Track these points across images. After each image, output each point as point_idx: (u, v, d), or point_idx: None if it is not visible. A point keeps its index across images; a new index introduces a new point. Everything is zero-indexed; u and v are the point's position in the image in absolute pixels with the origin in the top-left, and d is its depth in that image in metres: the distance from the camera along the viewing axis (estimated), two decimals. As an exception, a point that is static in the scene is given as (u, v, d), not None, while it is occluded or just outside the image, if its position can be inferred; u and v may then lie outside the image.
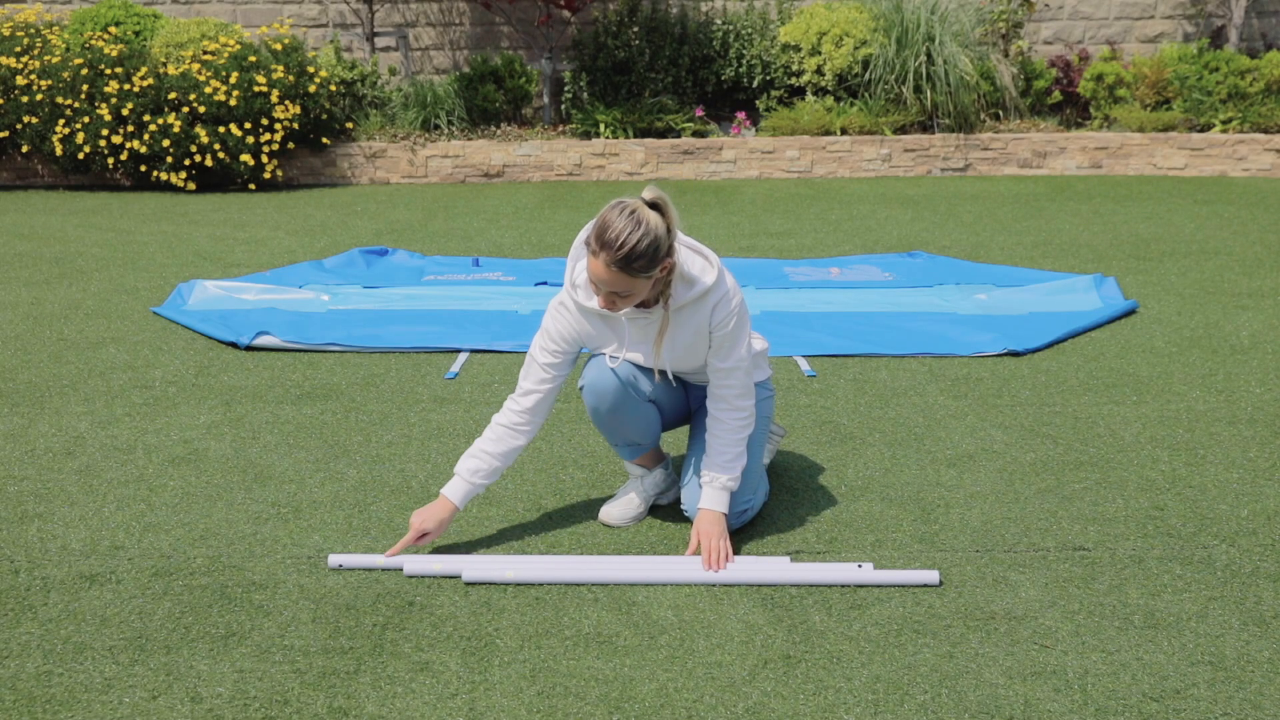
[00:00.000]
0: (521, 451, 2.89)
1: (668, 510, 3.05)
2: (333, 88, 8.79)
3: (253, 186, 8.70)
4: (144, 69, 8.31)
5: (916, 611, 2.53)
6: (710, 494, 2.75)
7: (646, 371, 2.82)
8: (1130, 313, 4.96)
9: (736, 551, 2.80)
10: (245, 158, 8.35)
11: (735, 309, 2.71)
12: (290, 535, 2.93)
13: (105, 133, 8.20)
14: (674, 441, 3.46)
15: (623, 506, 2.98)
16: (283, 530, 2.96)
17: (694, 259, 2.71)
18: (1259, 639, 2.42)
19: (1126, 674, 2.30)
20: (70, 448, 3.53)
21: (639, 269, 2.51)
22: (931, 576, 2.64)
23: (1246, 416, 3.73)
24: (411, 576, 2.69)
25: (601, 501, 3.09)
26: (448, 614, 2.54)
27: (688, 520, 2.96)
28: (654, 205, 2.54)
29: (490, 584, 2.66)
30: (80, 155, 8.35)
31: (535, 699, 2.23)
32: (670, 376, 2.87)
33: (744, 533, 2.90)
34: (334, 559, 2.74)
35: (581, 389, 2.83)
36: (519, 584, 2.66)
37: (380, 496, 3.17)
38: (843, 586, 2.63)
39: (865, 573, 2.64)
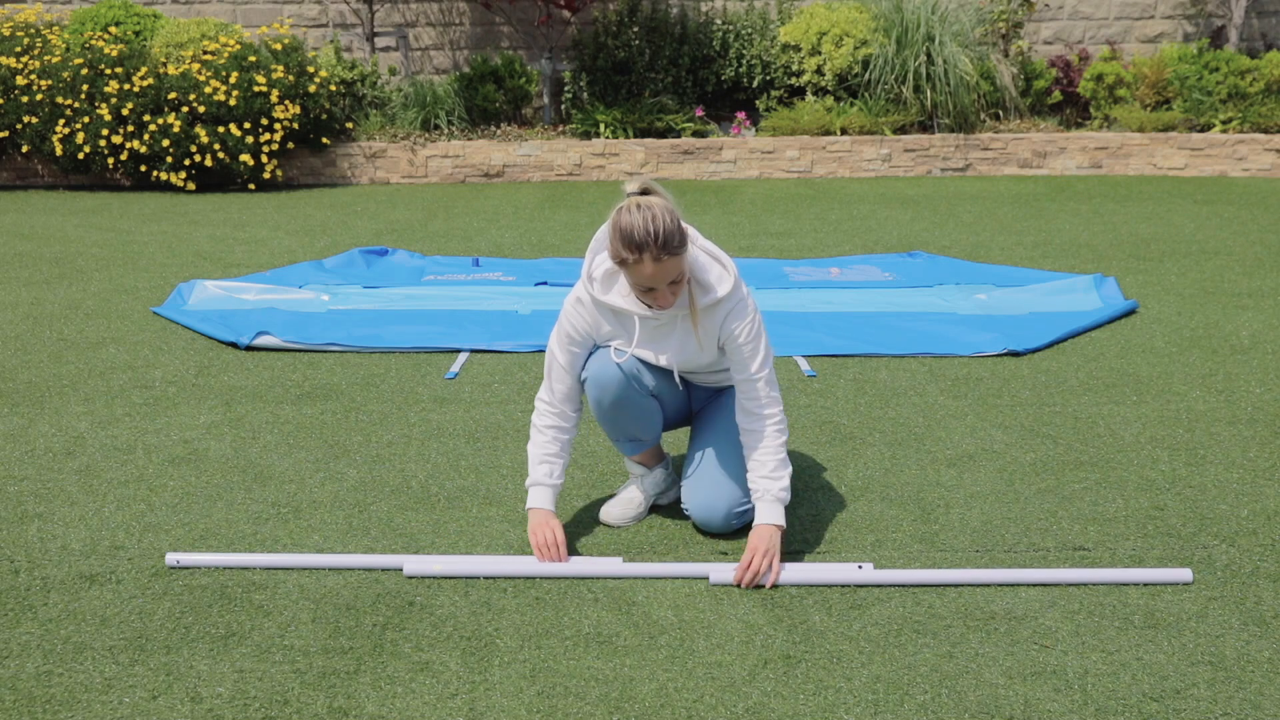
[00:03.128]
0: (573, 444, 2.94)
1: (668, 510, 3.06)
2: (333, 88, 8.79)
3: (253, 186, 8.70)
4: (144, 69, 8.31)
5: (916, 611, 2.53)
6: (762, 509, 2.73)
7: (650, 366, 2.83)
8: (1130, 313, 4.96)
9: (734, 553, 2.80)
10: (245, 158, 8.35)
11: (750, 320, 2.71)
12: (290, 535, 2.93)
13: (105, 133, 8.20)
14: (674, 441, 3.46)
15: (623, 506, 2.99)
16: (283, 530, 2.96)
17: (711, 266, 2.71)
18: (1259, 639, 2.42)
19: (1126, 674, 2.30)
20: (70, 448, 3.53)
21: (679, 245, 2.53)
22: (1184, 575, 2.64)
23: (1246, 416, 3.73)
24: (412, 577, 2.69)
25: (602, 501, 3.09)
26: (448, 614, 2.54)
27: (688, 520, 2.96)
28: (645, 192, 2.59)
29: (487, 579, 2.66)
30: (80, 155, 8.35)
31: (535, 699, 2.23)
32: (676, 376, 2.87)
33: (744, 533, 2.90)
34: (171, 557, 2.74)
35: (584, 381, 2.83)
36: (492, 577, 2.66)
37: (380, 496, 3.17)
38: (1092, 585, 2.62)
39: (1123, 573, 2.64)
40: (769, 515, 2.71)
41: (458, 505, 3.11)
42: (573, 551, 2.82)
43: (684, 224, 2.61)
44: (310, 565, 2.74)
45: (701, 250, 2.72)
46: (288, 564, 2.74)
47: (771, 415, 2.75)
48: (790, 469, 2.77)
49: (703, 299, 2.68)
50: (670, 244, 2.50)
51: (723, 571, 2.65)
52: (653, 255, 2.50)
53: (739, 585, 2.63)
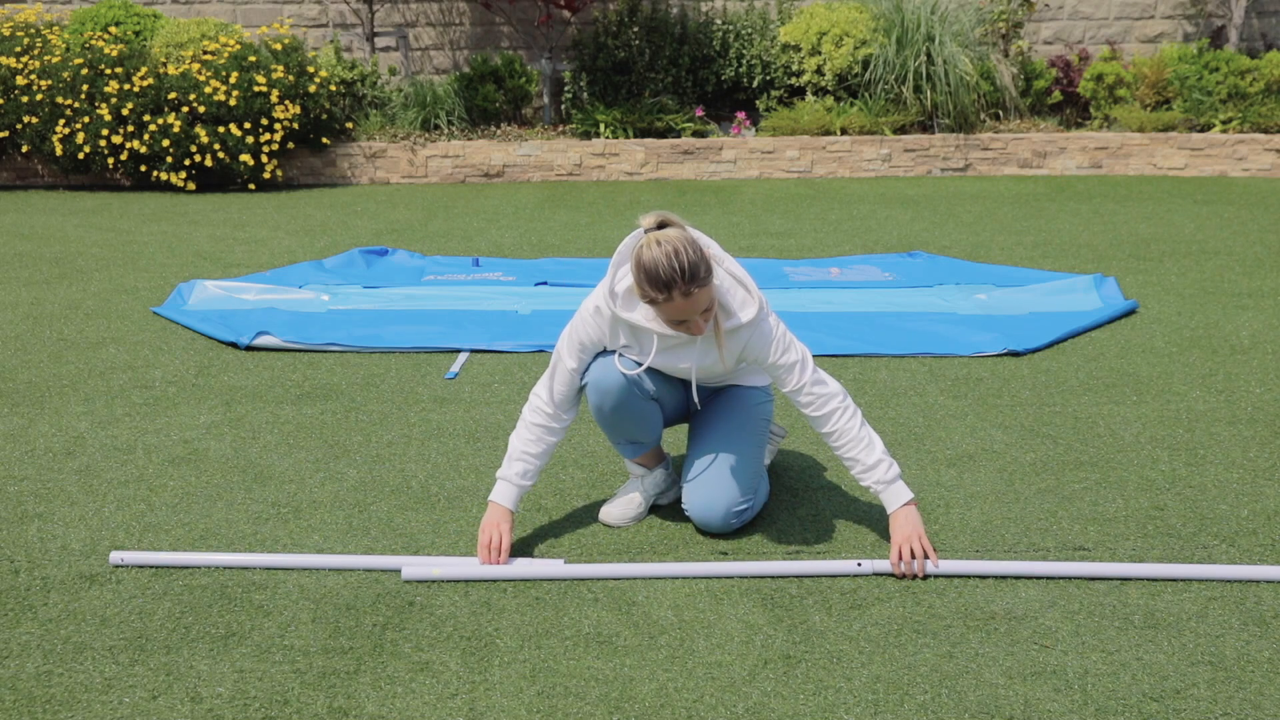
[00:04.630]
0: (557, 446, 2.90)
1: (668, 510, 3.06)
2: (333, 88, 8.78)
3: (253, 186, 8.70)
4: (144, 69, 8.31)
5: (916, 611, 2.53)
6: (886, 497, 2.74)
7: (650, 371, 2.83)
8: (1130, 313, 4.96)
9: (734, 553, 2.80)
10: (245, 158, 8.35)
11: (775, 340, 2.71)
12: (290, 535, 2.93)
13: (105, 133, 8.20)
14: (674, 441, 3.46)
15: (623, 506, 2.99)
16: (283, 530, 2.96)
17: (735, 289, 2.70)
18: (1259, 639, 2.42)
19: (1126, 674, 2.30)
20: (70, 448, 3.53)
21: (706, 274, 2.52)
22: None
23: (1246, 416, 3.73)
24: (408, 581, 2.69)
25: (602, 502, 3.09)
26: (448, 614, 2.54)
27: (688, 520, 2.96)
28: (662, 225, 2.57)
29: (486, 582, 2.66)
30: (80, 155, 8.35)
31: (535, 699, 2.23)
32: (694, 387, 2.87)
33: (744, 532, 2.90)
34: (115, 556, 2.74)
35: (584, 386, 2.83)
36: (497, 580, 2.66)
37: (380, 496, 3.17)
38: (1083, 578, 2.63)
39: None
40: (897, 497, 2.73)
41: (458, 505, 3.11)
42: (560, 553, 2.82)
43: (707, 246, 2.60)
44: (302, 565, 2.74)
45: (726, 273, 2.70)
46: (270, 564, 2.74)
47: (835, 410, 2.74)
48: (880, 440, 2.76)
49: (726, 323, 2.68)
50: (697, 276, 2.50)
51: (877, 563, 2.68)
52: (681, 291, 2.49)
53: (900, 577, 2.66)
